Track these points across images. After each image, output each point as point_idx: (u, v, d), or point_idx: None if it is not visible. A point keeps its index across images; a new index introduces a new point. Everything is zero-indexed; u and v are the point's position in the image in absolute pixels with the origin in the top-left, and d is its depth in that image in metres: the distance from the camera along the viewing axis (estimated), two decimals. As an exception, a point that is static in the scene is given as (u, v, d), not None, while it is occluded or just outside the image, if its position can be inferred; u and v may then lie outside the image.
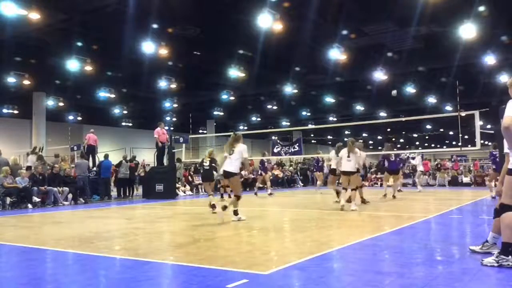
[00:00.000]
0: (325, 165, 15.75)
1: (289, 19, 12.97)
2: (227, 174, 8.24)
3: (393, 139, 53.08)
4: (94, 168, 16.05)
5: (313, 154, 25.61)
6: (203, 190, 17.43)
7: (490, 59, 16.89)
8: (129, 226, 7.87)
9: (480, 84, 21.18)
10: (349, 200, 10.21)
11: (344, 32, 14.81)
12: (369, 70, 19.25)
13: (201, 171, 11.25)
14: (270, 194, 16.09)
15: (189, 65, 19.11)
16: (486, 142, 39.71)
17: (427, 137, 48.52)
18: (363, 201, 11.25)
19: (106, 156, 16.13)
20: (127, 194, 16.76)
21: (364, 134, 50.10)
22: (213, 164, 10.16)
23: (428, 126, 41.49)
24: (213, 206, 9.70)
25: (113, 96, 22.45)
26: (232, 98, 24.03)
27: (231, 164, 8.16)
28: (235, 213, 8.19)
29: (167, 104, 25.88)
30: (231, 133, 8.59)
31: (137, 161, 18.22)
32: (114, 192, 16.78)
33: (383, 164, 14.18)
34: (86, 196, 14.47)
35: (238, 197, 8.21)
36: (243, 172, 16.51)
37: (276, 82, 22.04)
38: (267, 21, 12.31)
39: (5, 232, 7.59)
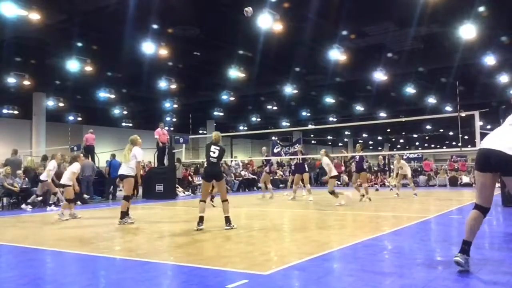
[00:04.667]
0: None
1: (289, 19, 12.98)
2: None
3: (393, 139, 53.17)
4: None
5: (313, 155, 25.61)
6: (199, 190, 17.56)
7: (490, 59, 16.89)
8: (129, 226, 7.87)
9: (480, 84, 21.21)
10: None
11: (344, 32, 14.82)
12: (369, 70, 19.25)
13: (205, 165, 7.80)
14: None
15: (189, 65, 19.12)
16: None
17: (427, 138, 48.51)
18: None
19: (113, 156, 16.01)
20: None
21: (364, 134, 50.10)
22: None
23: (428, 127, 41.49)
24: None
25: (113, 96, 22.47)
26: (232, 98, 24.04)
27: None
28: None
29: (167, 105, 25.89)
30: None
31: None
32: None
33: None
34: (89, 196, 14.46)
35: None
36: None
37: (276, 82, 22.06)
38: (267, 21, 12.32)
39: (5, 232, 7.60)
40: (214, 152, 7.20)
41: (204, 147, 7.69)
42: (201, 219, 7.09)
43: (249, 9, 10.90)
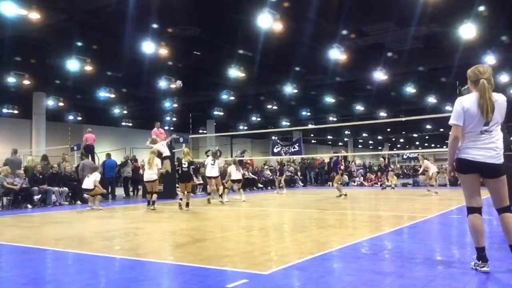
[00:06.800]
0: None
1: (289, 19, 12.98)
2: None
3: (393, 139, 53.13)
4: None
5: (312, 154, 25.63)
6: (200, 190, 17.82)
7: (490, 59, 16.86)
8: (129, 226, 7.87)
9: (480, 83, 21.20)
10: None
11: (344, 32, 14.82)
12: (369, 70, 19.25)
13: (179, 172, 11.19)
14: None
15: (189, 65, 19.11)
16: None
17: (427, 137, 48.48)
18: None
19: (108, 156, 16.00)
20: (132, 194, 16.97)
21: (364, 134, 50.09)
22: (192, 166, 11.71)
23: (428, 126, 41.48)
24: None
25: (113, 96, 22.45)
26: (232, 98, 24.03)
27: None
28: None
29: (167, 104, 25.87)
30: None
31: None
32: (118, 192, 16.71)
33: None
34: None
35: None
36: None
37: (276, 82, 22.06)
38: (267, 21, 12.31)
39: (5, 232, 7.59)
40: (185, 164, 10.78)
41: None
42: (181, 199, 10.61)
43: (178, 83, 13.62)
